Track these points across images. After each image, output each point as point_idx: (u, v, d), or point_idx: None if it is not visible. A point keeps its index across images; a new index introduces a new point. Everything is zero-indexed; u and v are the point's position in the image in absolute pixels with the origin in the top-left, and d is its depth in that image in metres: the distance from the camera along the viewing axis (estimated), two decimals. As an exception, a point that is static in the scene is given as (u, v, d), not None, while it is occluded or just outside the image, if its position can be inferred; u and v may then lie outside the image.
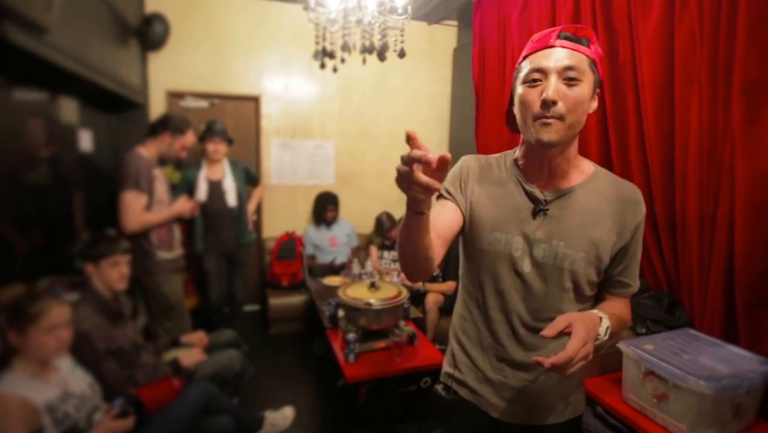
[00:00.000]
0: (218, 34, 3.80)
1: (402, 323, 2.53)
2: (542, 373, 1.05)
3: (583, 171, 1.04)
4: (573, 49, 0.92)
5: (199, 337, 2.41)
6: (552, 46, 0.92)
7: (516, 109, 0.99)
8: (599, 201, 1.01)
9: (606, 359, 2.00)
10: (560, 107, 0.90)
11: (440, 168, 0.69)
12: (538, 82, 0.92)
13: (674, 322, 2.07)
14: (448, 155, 0.68)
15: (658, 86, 2.10)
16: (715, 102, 1.85)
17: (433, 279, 3.33)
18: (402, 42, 2.36)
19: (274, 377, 3.09)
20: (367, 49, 2.42)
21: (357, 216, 4.29)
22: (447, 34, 4.50)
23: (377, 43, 2.41)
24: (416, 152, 0.68)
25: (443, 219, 1.05)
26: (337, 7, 2.31)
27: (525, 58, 0.97)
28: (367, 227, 4.26)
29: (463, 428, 1.16)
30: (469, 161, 1.12)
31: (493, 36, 3.37)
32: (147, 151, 2.59)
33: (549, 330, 0.83)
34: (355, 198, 4.37)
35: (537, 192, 1.02)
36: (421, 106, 4.51)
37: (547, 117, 0.91)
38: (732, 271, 1.82)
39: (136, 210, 2.43)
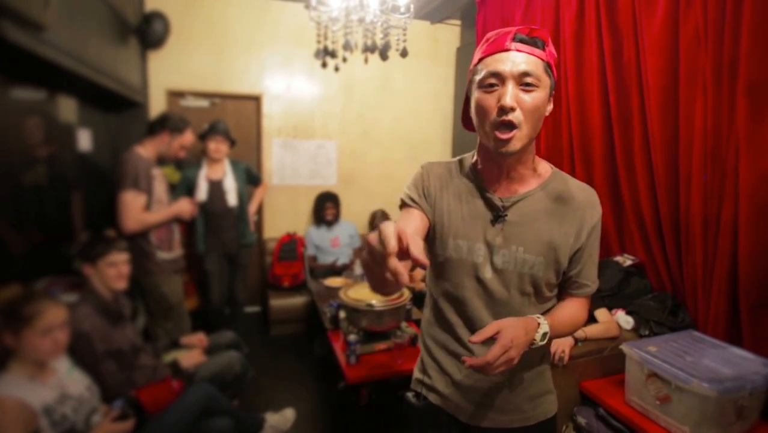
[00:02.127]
0: (219, 32, 3.79)
1: (404, 324, 2.51)
2: (506, 375, 1.05)
3: (540, 174, 1.05)
4: (528, 53, 0.91)
5: (199, 338, 2.39)
6: (507, 50, 0.91)
7: (473, 113, 0.99)
8: (556, 204, 1.02)
9: (609, 361, 1.99)
10: (518, 114, 0.90)
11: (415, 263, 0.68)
12: (495, 87, 0.92)
13: (677, 324, 2.06)
14: (427, 262, 0.67)
15: (662, 86, 2.09)
16: (719, 103, 1.84)
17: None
18: (404, 41, 2.35)
19: (274, 378, 3.07)
20: (369, 48, 2.41)
21: (359, 216, 4.28)
22: (450, 34, 4.48)
23: (379, 42, 2.40)
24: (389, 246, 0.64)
25: (411, 228, 1.05)
26: (338, 5, 2.30)
27: (480, 60, 0.96)
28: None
29: None
30: (429, 168, 1.12)
31: (495, 35, 3.35)
32: (145, 150, 2.58)
33: (477, 336, 0.88)
34: (357, 198, 4.35)
35: (495, 199, 1.02)
36: (424, 105, 4.50)
37: (504, 125, 0.91)
38: (736, 273, 1.81)
39: (135, 210, 2.42)
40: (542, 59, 0.93)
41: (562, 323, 1.02)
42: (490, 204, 1.03)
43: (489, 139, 0.95)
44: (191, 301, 3.31)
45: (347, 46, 2.32)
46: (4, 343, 1.47)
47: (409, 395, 1.21)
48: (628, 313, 2.19)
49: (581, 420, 1.89)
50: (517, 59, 0.90)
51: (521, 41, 0.92)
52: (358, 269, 3.57)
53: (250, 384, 2.55)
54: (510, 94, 0.89)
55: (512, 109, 0.90)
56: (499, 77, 0.91)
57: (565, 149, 2.77)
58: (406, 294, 2.47)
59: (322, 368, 3.13)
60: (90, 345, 1.81)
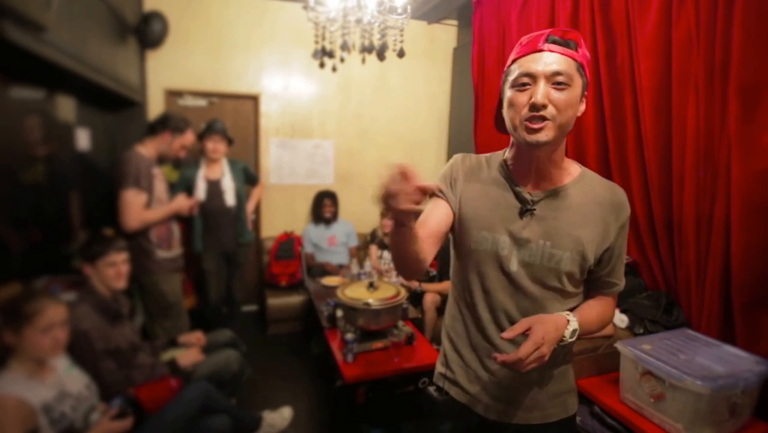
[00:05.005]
0: (217, 32, 3.80)
1: (400, 323, 2.52)
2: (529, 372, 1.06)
3: (570, 173, 1.06)
4: (561, 53, 0.93)
5: (197, 337, 2.40)
6: (540, 50, 0.94)
7: (505, 112, 1.01)
8: (585, 202, 1.03)
9: (603, 359, 2.01)
10: (550, 110, 0.92)
11: (423, 192, 0.78)
12: (527, 86, 0.94)
13: (672, 322, 2.07)
14: (435, 187, 0.75)
15: (655, 87, 2.11)
16: (711, 103, 1.86)
17: (431, 279, 3.33)
18: (401, 41, 2.37)
19: (272, 377, 3.08)
20: (366, 49, 2.42)
21: (356, 216, 4.28)
22: (447, 34, 4.49)
23: (376, 43, 2.41)
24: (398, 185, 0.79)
25: (434, 217, 1.08)
26: (336, 6, 2.31)
27: (514, 61, 0.98)
28: (366, 226, 4.26)
29: (454, 428, 1.17)
30: (459, 160, 1.15)
31: (492, 36, 3.37)
32: (146, 150, 2.59)
33: (508, 332, 0.89)
34: (354, 198, 4.36)
35: (524, 192, 1.04)
36: (421, 105, 4.51)
37: (536, 119, 0.93)
38: (728, 271, 1.83)
39: (136, 208, 2.43)
40: (575, 59, 0.95)
41: (591, 321, 1.03)
42: (519, 197, 1.04)
43: (520, 133, 0.96)
44: (189, 300, 3.32)
45: (345, 47, 2.33)
46: (4, 341, 1.47)
47: (431, 388, 1.22)
48: (623, 311, 2.21)
49: (576, 418, 1.90)
50: (549, 59, 0.93)
51: (554, 42, 0.94)
52: (355, 268, 3.58)
53: (247, 382, 2.56)
54: (542, 91, 0.92)
55: (543, 106, 0.92)
56: (532, 76, 0.93)
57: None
58: (403, 293, 2.49)
59: (319, 366, 3.14)
60: (89, 344, 1.82)
